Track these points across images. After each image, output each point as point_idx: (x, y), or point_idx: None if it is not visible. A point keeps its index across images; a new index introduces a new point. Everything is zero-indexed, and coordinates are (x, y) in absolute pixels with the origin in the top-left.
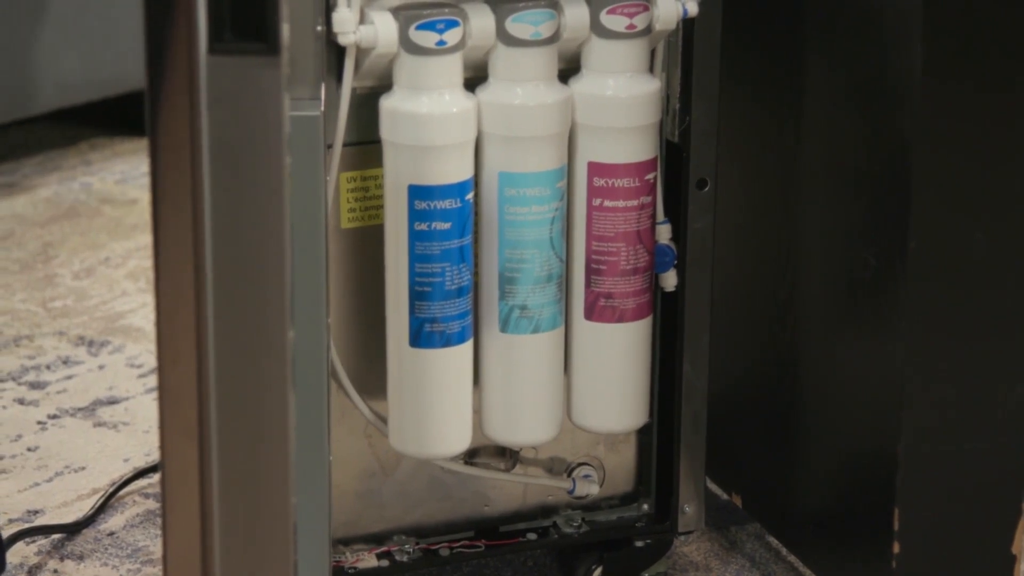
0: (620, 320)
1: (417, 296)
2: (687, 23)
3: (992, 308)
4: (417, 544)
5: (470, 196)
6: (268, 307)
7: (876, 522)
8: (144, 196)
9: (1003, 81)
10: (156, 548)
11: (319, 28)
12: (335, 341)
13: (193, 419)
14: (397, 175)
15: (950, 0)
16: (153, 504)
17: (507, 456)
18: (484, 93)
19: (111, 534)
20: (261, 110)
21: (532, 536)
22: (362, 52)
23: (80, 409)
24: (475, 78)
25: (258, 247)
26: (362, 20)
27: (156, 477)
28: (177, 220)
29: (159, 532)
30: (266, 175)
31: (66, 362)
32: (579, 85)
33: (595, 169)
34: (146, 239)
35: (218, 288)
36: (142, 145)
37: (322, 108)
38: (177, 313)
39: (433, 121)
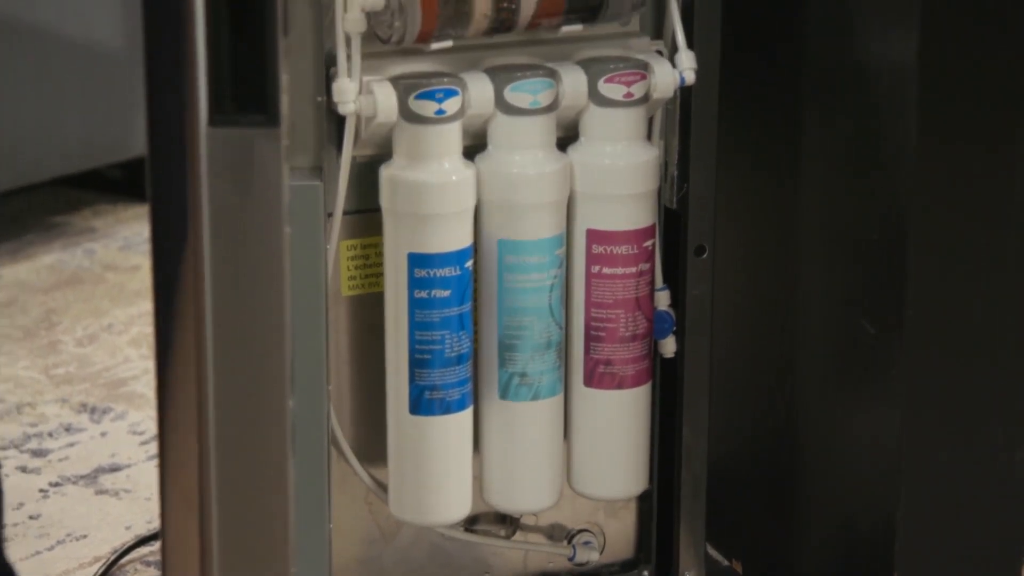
0: (619, 387)
1: (417, 363)
2: (684, 91)
3: (990, 374)
4: None
5: (469, 264)
6: (269, 375)
7: None
8: (147, 262)
9: (999, 147)
10: None
11: (319, 98)
12: (335, 408)
13: (194, 488)
14: (397, 243)
15: (946, 65)
16: (155, 572)
17: (507, 523)
18: (483, 161)
19: None
20: (261, 181)
21: None
22: (362, 121)
23: (82, 476)
24: (474, 146)
25: (258, 316)
26: (362, 90)
27: (158, 545)
28: (178, 289)
29: None
30: (266, 244)
31: (68, 429)
32: (577, 153)
33: (594, 236)
34: (149, 306)
35: (219, 356)
36: (145, 211)
37: (322, 177)
38: (178, 381)
39: (432, 189)
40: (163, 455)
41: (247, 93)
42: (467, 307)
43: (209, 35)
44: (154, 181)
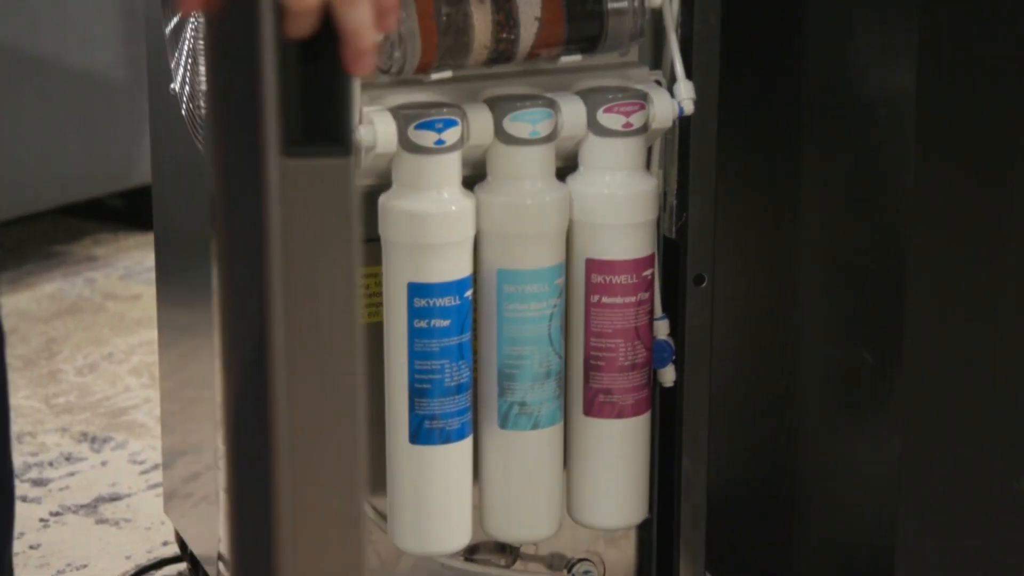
0: (619, 416)
1: (417, 393)
2: (683, 121)
3: (988, 403)
4: None
5: (469, 293)
6: (340, 406)
7: None
8: (147, 291)
9: (995, 175)
10: None
11: None
12: None
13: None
14: (396, 273)
15: (943, 94)
16: None
17: (507, 552)
18: (482, 191)
19: None
20: (334, 211)
21: None
22: (362, 151)
23: (82, 506)
24: (473, 176)
25: (331, 344)
26: (362, 120)
27: (158, 574)
28: (243, 322)
29: None
30: (339, 275)
31: (68, 459)
32: (576, 183)
33: (593, 266)
34: (149, 334)
35: (290, 388)
36: (146, 240)
37: None
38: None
39: (432, 219)
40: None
41: (319, 121)
42: (467, 336)
43: (280, 63)
44: (222, 213)
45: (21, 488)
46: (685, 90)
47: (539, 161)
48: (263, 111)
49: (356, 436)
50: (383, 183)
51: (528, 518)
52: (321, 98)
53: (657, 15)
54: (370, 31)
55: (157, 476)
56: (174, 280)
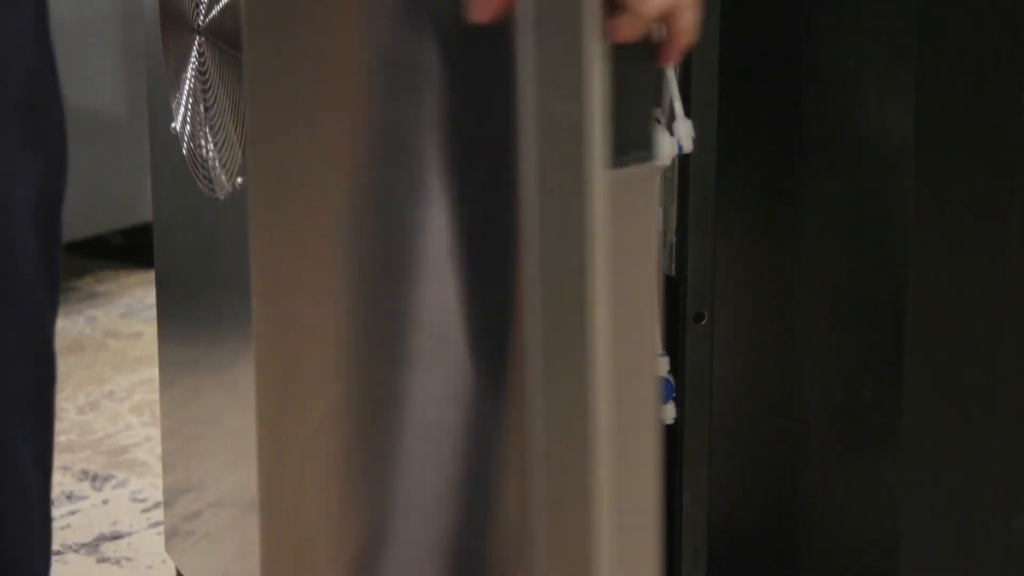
0: None
1: None
2: (682, 159)
3: (988, 441)
4: None
5: None
6: (644, 408)
7: None
8: (148, 329)
9: (994, 214)
10: None
11: None
12: None
13: (580, 536)
14: None
15: (942, 133)
16: None
17: None
18: None
19: None
20: (646, 215)
21: None
22: None
23: (83, 545)
24: None
25: (638, 353)
26: None
27: None
28: (565, 348)
29: None
30: (646, 280)
31: (70, 497)
32: None
33: None
34: (150, 372)
35: (604, 400)
36: (147, 278)
37: None
38: (561, 419)
39: None
40: (542, 542)
41: (636, 129)
42: None
43: (607, 70)
44: (543, 227)
45: None
46: (684, 128)
47: None
48: (585, 121)
49: (655, 438)
50: None
51: None
52: (637, 104)
53: None
54: (694, 32)
55: (158, 514)
56: (175, 318)
